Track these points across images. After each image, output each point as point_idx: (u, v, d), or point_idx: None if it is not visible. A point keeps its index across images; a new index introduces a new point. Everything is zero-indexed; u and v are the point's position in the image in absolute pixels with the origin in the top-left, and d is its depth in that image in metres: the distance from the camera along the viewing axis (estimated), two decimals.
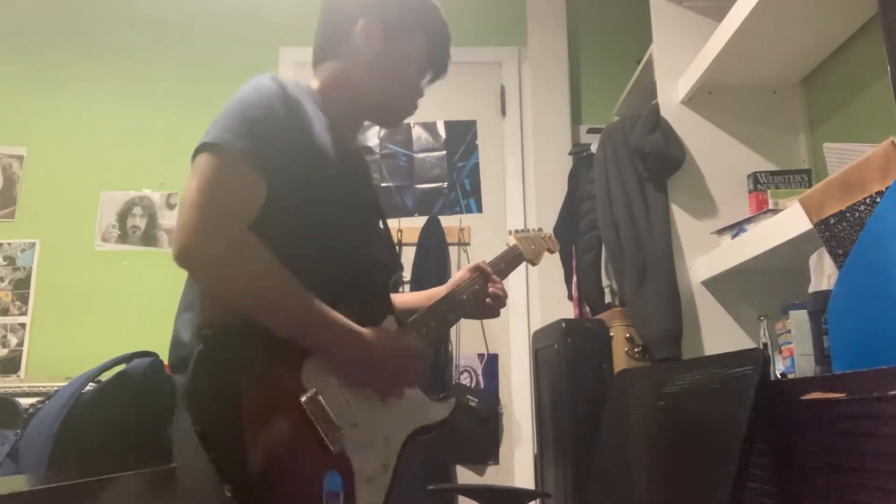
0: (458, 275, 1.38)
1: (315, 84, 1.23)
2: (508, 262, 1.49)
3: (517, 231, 1.60)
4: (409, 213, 2.97)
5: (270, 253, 0.97)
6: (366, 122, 1.35)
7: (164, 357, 1.51)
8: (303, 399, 0.97)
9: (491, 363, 2.82)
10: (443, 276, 2.77)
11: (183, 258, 0.95)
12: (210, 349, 0.94)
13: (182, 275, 1.06)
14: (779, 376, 1.41)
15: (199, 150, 1.00)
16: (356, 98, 1.23)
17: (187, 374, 0.93)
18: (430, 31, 1.26)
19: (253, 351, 0.97)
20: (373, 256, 1.22)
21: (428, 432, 1.19)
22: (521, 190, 2.98)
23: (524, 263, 1.56)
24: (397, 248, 2.75)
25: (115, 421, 1.31)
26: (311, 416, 0.96)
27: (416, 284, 2.73)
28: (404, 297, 1.38)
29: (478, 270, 1.38)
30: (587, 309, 2.45)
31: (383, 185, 3.00)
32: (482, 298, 1.36)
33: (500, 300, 1.39)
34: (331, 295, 1.05)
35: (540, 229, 1.65)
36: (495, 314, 1.40)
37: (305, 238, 1.07)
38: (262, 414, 0.93)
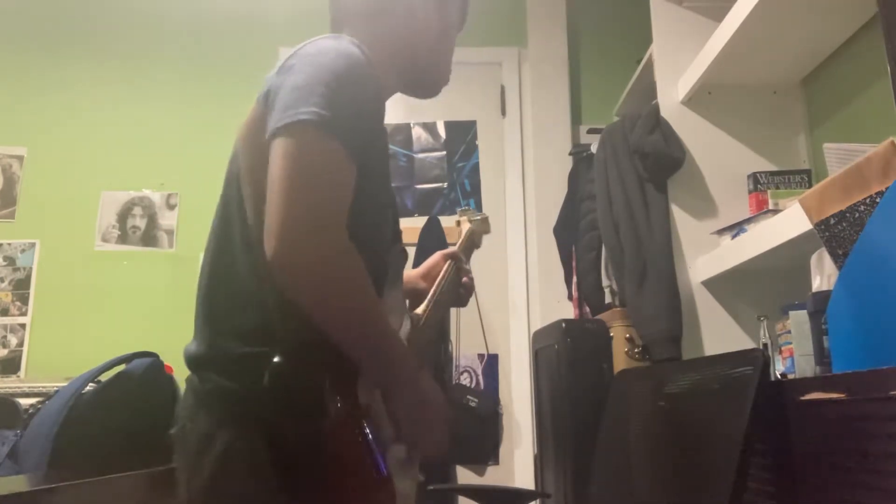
0: (430, 261, 1.33)
1: None
2: (468, 245, 1.48)
3: (464, 210, 1.60)
4: (409, 214, 2.97)
5: (365, 267, 0.86)
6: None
7: (165, 357, 1.52)
8: (364, 418, 0.89)
9: (491, 363, 2.82)
10: None
11: (283, 264, 0.81)
12: (287, 361, 0.85)
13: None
14: (779, 376, 1.41)
15: (291, 129, 0.84)
16: (401, 63, 1.11)
17: (265, 383, 0.84)
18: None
19: (326, 365, 0.88)
20: (398, 243, 1.15)
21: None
22: (521, 190, 2.98)
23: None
24: None
25: (115, 421, 1.31)
26: (369, 436, 0.88)
27: None
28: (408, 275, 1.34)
29: (451, 258, 1.32)
30: (587, 309, 2.45)
31: None
32: (456, 288, 1.31)
33: (471, 289, 1.35)
34: (377, 286, 0.95)
35: (470, 209, 1.66)
36: (464, 303, 1.36)
37: (368, 226, 0.95)
38: (327, 429, 0.85)
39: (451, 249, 1.34)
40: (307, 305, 0.84)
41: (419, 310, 1.21)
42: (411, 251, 2.81)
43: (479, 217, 1.58)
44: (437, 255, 1.33)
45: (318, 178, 0.82)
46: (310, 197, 0.81)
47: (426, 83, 1.20)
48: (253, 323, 0.92)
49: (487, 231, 1.60)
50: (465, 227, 1.53)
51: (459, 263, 1.32)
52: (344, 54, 0.92)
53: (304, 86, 0.86)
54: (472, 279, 1.34)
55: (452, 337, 2.77)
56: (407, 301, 1.25)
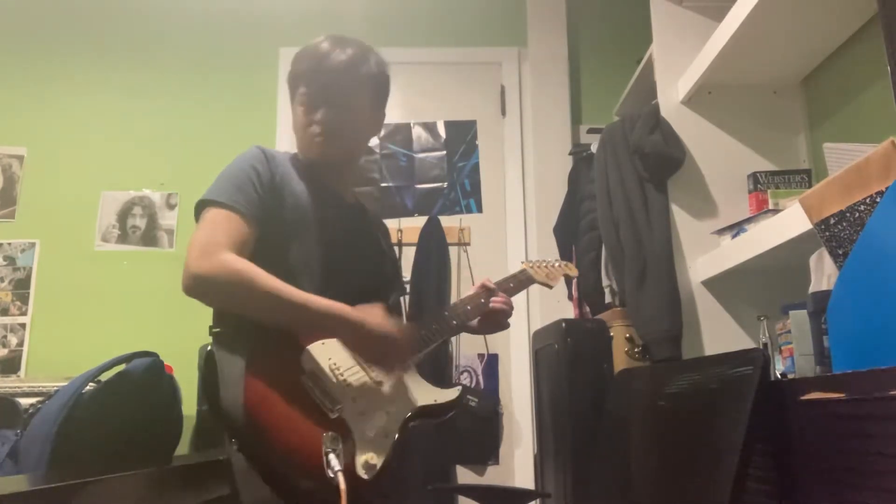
0: (467, 293, 1.54)
1: None
2: (518, 283, 1.63)
3: (530, 261, 1.72)
4: (409, 214, 2.97)
5: (255, 267, 1.19)
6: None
7: (165, 357, 1.52)
8: (303, 377, 1.18)
9: (491, 363, 2.82)
10: (443, 277, 2.77)
11: (188, 290, 1.18)
12: (219, 344, 1.22)
13: (181, 275, 1.15)
14: (779, 376, 1.41)
15: (199, 205, 1.28)
16: (332, 168, 1.44)
17: (202, 366, 1.22)
18: (297, 76, 1.44)
19: (258, 341, 1.19)
20: (369, 282, 1.41)
21: (435, 415, 1.32)
22: (521, 190, 2.98)
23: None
24: (397, 248, 2.74)
25: (115, 421, 1.32)
26: (310, 388, 1.17)
27: (416, 285, 2.73)
28: None
29: (483, 287, 1.53)
30: (587, 309, 2.45)
31: (383, 185, 3.00)
32: (485, 310, 1.50)
33: (505, 312, 1.53)
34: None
35: (557, 260, 1.78)
36: (502, 327, 1.56)
37: (299, 269, 1.29)
38: (268, 386, 1.14)
39: (484, 280, 1.55)
40: (219, 308, 1.27)
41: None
42: (411, 251, 2.82)
43: (544, 263, 1.72)
44: (473, 287, 1.55)
45: (206, 230, 1.24)
46: (200, 241, 1.21)
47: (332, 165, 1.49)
48: (220, 314, 1.28)
49: (554, 276, 1.72)
50: (521, 268, 1.69)
51: (490, 290, 1.53)
52: (241, 155, 1.36)
53: (215, 180, 1.32)
54: (504, 302, 1.54)
55: (452, 337, 2.77)
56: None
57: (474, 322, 1.53)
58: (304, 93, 1.40)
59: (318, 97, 1.39)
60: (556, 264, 1.74)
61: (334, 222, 1.38)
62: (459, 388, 1.37)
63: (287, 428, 1.12)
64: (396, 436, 1.21)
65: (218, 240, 1.20)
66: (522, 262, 1.72)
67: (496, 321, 1.54)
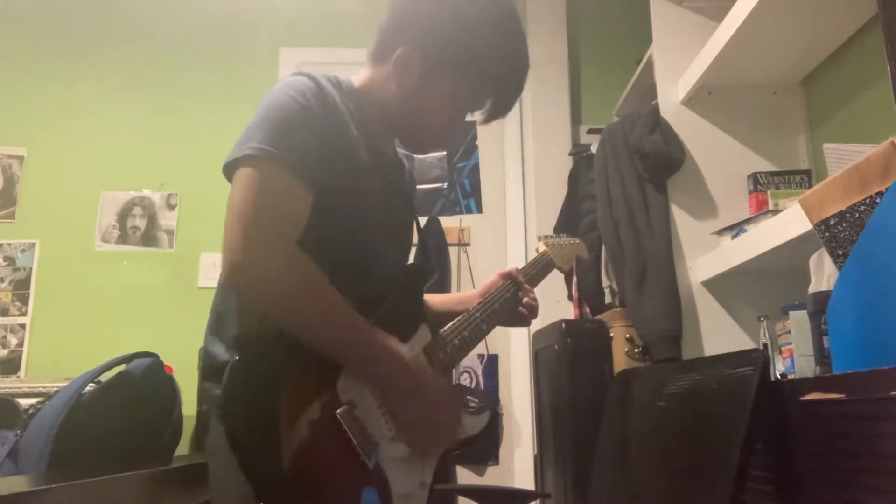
0: (489, 280, 1.34)
1: (363, 79, 1.17)
2: (539, 269, 1.44)
3: (546, 237, 1.54)
4: None
5: (320, 271, 0.94)
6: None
7: (165, 357, 1.52)
8: (338, 411, 0.92)
9: (491, 363, 2.83)
10: (443, 277, 2.77)
11: (235, 280, 0.92)
12: (247, 360, 0.93)
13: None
14: (779, 377, 1.41)
15: (239, 162, 0.95)
16: (386, 116, 1.16)
17: (222, 383, 0.92)
18: (482, 73, 1.14)
19: (289, 363, 0.92)
20: (408, 261, 1.20)
21: (462, 446, 1.16)
22: (521, 190, 2.99)
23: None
24: None
25: (115, 421, 1.31)
26: (347, 429, 0.91)
27: None
28: (434, 299, 1.35)
29: (509, 278, 1.33)
30: (587, 309, 2.45)
31: None
32: (514, 307, 1.32)
33: (534, 310, 1.34)
34: (369, 300, 1.02)
35: (568, 235, 1.60)
36: (527, 323, 1.36)
37: (344, 244, 1.04)
38: (298, 425, 0.88)
39: (508, 269, 1.35)
40: (265, 312, 0.94)
41: (451, 323, 1.20)
42: (411, 251, 2.81)
43: (559, 241, 1.53)
44: (495, 274, 1.35)
45: (255, 202, 0.92)
46: (248, 220, 0.90)
47: (410, 146, 1.25)
48: (234, 332, 1.00)
49: (569, 259, 1.53)
50: (541, 249, 1.50)
51: (518, 283, 1.33)
52: (289, 86, 1.02)
53: (253, 124, 0.99)
54: (533, 299, 1.34)
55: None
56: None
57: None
58: (499, 106, 1.21)
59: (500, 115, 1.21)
60: (570, 243, 1.56)
61: (383, 185, 1.14)
62: (488, 413, 1.23)
63: (325, 488, 0.89)
64: (430, 486, 1.04)
65: (275, 219, 0.92)
66: (539, 239, 1.53)
67: (523, 318, 1.34)
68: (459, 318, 1.22)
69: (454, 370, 2.87)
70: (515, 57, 1.17)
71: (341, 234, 1.04)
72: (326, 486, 0.89)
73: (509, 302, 1.30)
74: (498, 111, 1.22)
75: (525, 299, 1.32)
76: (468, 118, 1.24)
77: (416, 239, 1.33)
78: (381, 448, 0.95)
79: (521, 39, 1.18)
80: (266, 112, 0.99)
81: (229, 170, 0.97)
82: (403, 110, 1.15)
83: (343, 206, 1.03)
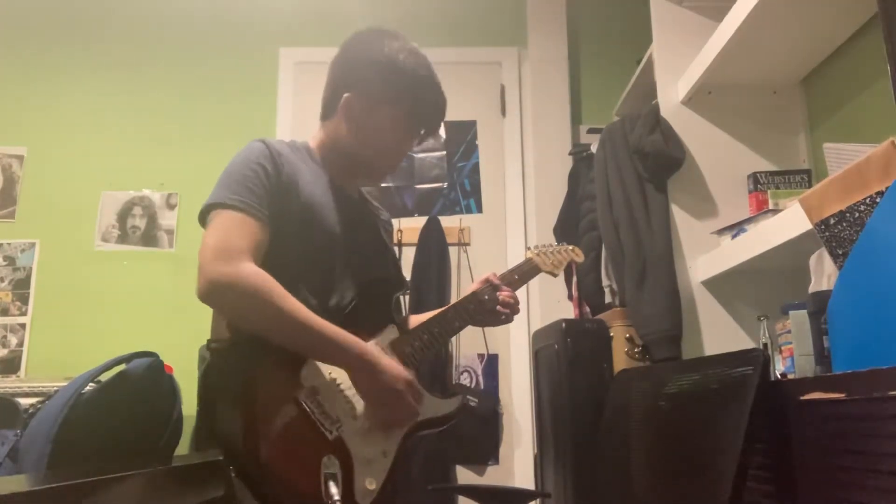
0: (471, 287, 1.49)
1: (318, 138, 1.44)
2: (522, 273, 1.58)
3: (535, 247, 1.66)
4: (409, 214, 2.97)
5: (277, 283, 1.15)
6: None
7: (165, 357, 1.52)
8: (299, 394, 1.13)
9: (491, 363, 2.82)
10: (443, 277, 2.77)
11: (205, 296, 1.13)
12: (218, 359, 1.20)
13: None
14: (779, 376, 1.41)
15: (209, 208, 1.23)
16: (344, 157, 1.41)
17: (203, 369, 1.18)
18: (413, 100, 1.38)
19: (256, 358, 1.14)
20: (375, 275, 1.39)
21: (432, 426, 1.30)
22: (521, 190, 2.98)
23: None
24: (397, 248, 2.74)
25: (115, 421, 1.31)
26: (308, 409, 1.13)
27: (416, 285, 2.73)
28: (422, 317, 1.48)
29: (487, 282, 1.48)
30: (587, 309, 2.45)
31: (383, 185, 2.99)
32: (492, 307, 1.46)
33: (512, 307, 1.49)
34: (336, 307, 1.27)
35: (561, 243, 1.71)
36: (509, 320, 1.51)
37: (308, 263, 1.27)
38: (266, 408, 1.10)
39: (488, 274, 1.51)
40: (231, 319, 1.20)
41: (422, 322, 1.40)
42: (411, 251, 2.82)
43: (548, 248, 1.65)
44: (476, 281, 1.52)
45: (222, 235, 1.18)
46: (213, 249, 1.16)
47: (369, 176, 1.50)
48: (219, 327, 1.23)
49: (559, 264, 1.65)
50: (527, 256, 1.63)
51: (494, 285, 1.48)
52: (245, 150, 1.30)
53: (219, 183, 1.27)
54: (510, 296, 1.49)
55: (453, 337, 2.77)
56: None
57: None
58: (428, 132, 1.45)
59: (430, 137, 1.47)
60: (562, 250, 1.67)
61: (343, 218, 1.35)
62: (458, 398, 1.35)
63: (285, 455, 1.08)
64: (394, 455, 1.20)
65: (236, 245, 1.16)
66: (527, 249, 1.65)
67: (503, 316, 1.49)
68: (431, 317, 1.40)
69: (454, 369, 2.87)
70: (434, 87, 1.41)
71: (306, 254, 1.27)
72: (292, 454, 1.09)
73: (485, 302, 1.46)
74: (430, 128, 1.46)
75: (501, 296, 1.47)
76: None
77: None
78: (343, 423, 1.16)
79: (434, 74, 1.42)
80: (228, 173, 1.27)
81: (202, 216, 1.24)
82: (356, 142, 1.39)
83: (302, 234, 1.28)
